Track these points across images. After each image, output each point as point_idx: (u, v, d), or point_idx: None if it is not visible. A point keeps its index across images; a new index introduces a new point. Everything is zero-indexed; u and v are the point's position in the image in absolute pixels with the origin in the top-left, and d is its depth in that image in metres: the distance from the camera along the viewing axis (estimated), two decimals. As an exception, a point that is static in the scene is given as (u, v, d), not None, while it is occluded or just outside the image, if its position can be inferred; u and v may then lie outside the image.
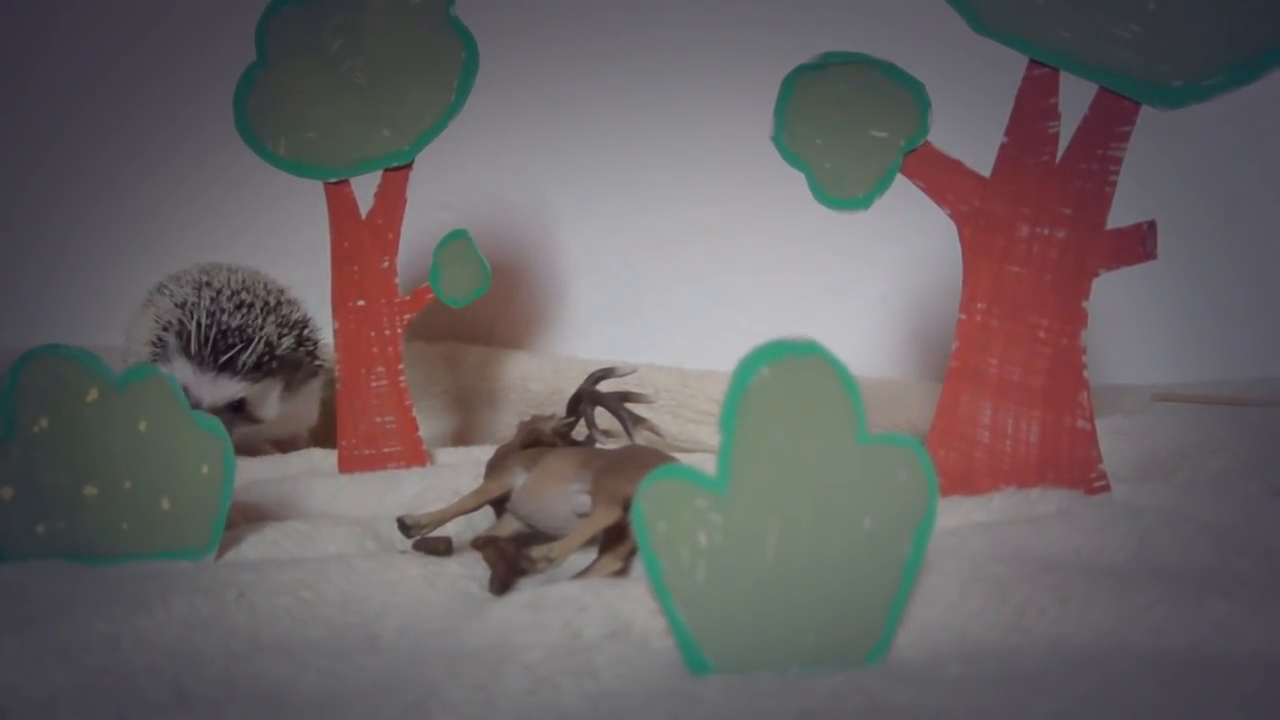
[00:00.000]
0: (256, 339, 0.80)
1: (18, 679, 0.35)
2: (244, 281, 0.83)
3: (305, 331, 0.85)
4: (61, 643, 0.38)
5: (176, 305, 0.81)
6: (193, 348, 0.79)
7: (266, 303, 0.82)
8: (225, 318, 0.80)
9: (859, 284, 1.03)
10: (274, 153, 0.73)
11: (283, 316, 0.83)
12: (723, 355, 0.98)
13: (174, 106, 1.10)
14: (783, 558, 0.35)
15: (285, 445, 0.89)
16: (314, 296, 0.81)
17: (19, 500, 0.51)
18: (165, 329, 0.81)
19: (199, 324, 0.79)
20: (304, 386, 0.86)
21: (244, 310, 0.81)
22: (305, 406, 0.89)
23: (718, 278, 1.06)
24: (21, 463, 0.51)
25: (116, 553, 0.51)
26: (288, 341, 0.82)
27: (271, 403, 0.83)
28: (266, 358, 0.80)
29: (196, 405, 0.76)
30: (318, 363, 0.87)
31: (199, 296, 0.81)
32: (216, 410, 0.77)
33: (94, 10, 1.12)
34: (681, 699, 0.32)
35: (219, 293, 0.81)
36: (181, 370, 0.78)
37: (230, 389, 0.79)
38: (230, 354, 0.79)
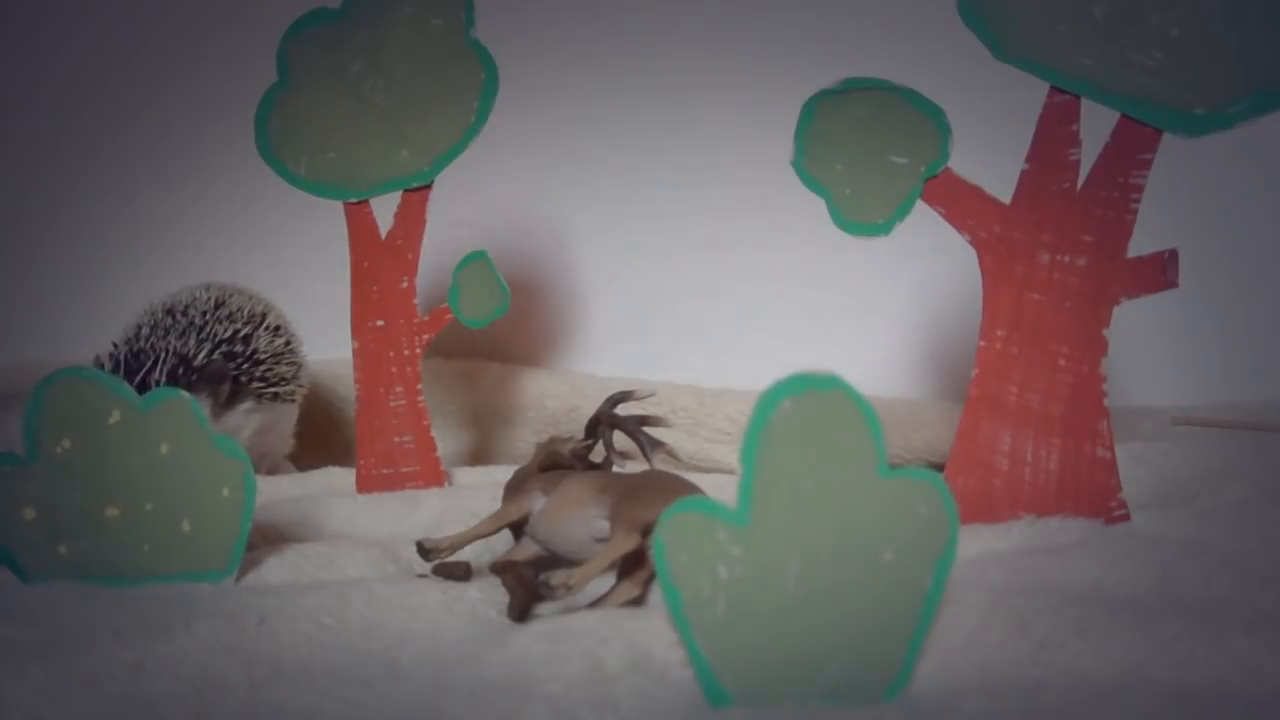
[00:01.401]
0: (163, 356, 0.77)
1: (44, 708, 0.36)
2: (188, 302, 0.82)
3: (240, 349, 0.82)
4: (86, 670, 0.38)
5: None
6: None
7: (193, 321, 0.81)
8: (140, 342, 0.79)
9: (876, 303, 1.03)
10: (295, 173, 0.74)
11: (208, 335, 0.80)
12: (740, 374, 0.99)
13: (195, 126, 1.11)
14: (803, 590, 0.35)
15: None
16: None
17: (41, 521, 0.51)
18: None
19: (112, 352, 0.78)
20: (239, 404, 0.82)
21: (157, 334, 0.79)
22: (248, 427, 0.84)
23: (735, 296, 1.06)
24: (44, 484, 0.51)
25: (138, 574, 0.51)
26: (202, 354, 0.79)
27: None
28: (180, 370, 0.78)
29: None
30: (259, 385, 0.84)
31: (138, 322, 0.81)
32: None
33: (120, 38, 1.13)
34: (702, 733, 0.33)
35: (146, 321, 0.80)
36: None
37: None
38: (140, 375, 0.76)
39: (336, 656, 0.43)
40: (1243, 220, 0.98)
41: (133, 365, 0.77)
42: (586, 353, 1.09)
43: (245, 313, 0.84)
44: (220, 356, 0.80)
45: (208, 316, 0.82)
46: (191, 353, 0.79)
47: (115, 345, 0.80)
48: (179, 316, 0.81)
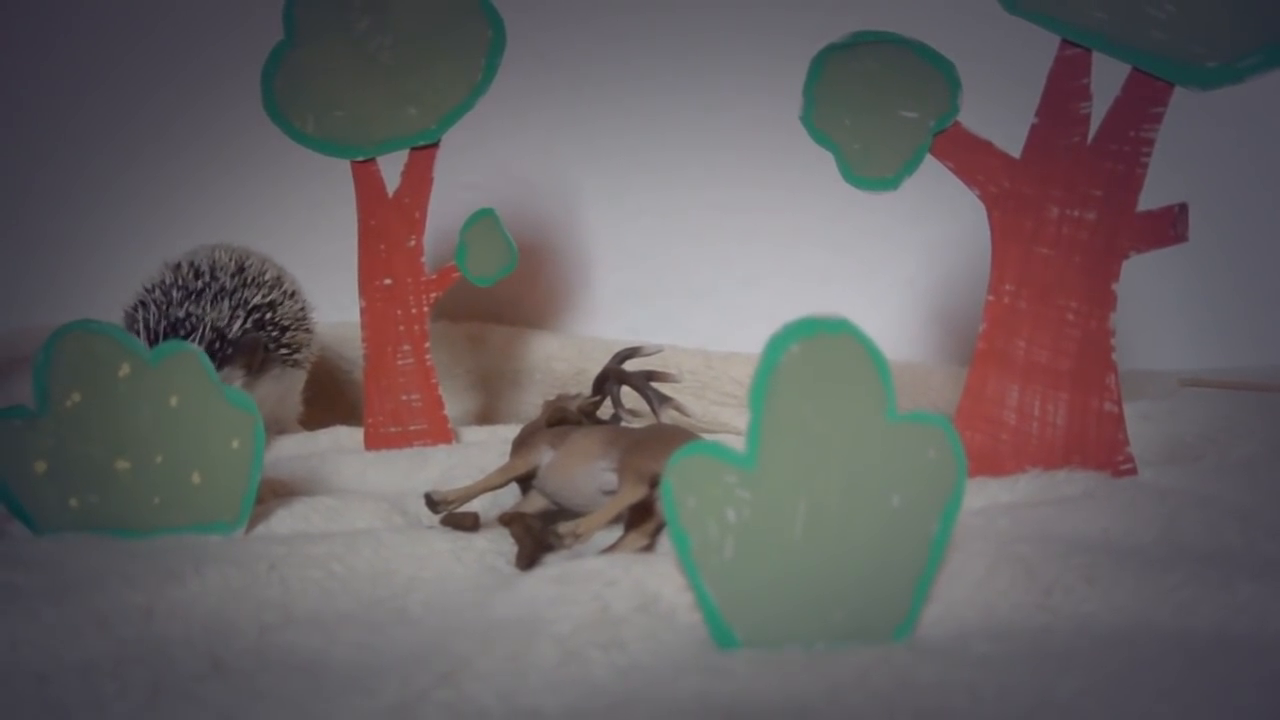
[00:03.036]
0: (201, 328, 0.76)
1: (57, 646, 0.36)
2: (211, 263, 0.80)
3: (269, 316, 0.81)
4: (98, 613, 0.38)
5: (134, 305, 0.79)
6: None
7: (224, 286, 0.79)
8: (172, 310, 0.77)
9: (884, 267, 1.03)
10: (301, 131, 0.73)
11: (239, 300, 0.79)
12: (747, 337, 0.99)
13: (201, 83, 1.10)
14: (811, 534, 0.35)
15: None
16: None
17: (53, 474, 0.51)
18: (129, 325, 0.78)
19: (146, 323, 0.77)
20: (269, 371, 0.81)
21: (191, 299, 0.78)
22: (273, 394, 0.84)
23: (743, 260, 1.06)
24: (55, 437, 0.51)
25: (148, 526, 0.52)
26: (238, 325, 0.78)
27: None
28: (217, 344, 0.76)
29: None
30: (284, 351, 0.83)
31: (156, 286, 0.79)
32: None
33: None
34: (709, 673, 0.33)
35: (174, 282, 0.79)
36: None
37: None
38: None
39: (346, 603, 0.43)
40: (1254, 181, 0.97)
41: (170, 336, 0.75)
42: (594, 316, 1.09)
43: (267, 278, 0.83)
44: (253, 326, 0.79)
45: (235, 280, 0.80)
46: (226, 322, 0.78)
47: (145, 305, 0.78)
48: (208, 279, 0.80)
